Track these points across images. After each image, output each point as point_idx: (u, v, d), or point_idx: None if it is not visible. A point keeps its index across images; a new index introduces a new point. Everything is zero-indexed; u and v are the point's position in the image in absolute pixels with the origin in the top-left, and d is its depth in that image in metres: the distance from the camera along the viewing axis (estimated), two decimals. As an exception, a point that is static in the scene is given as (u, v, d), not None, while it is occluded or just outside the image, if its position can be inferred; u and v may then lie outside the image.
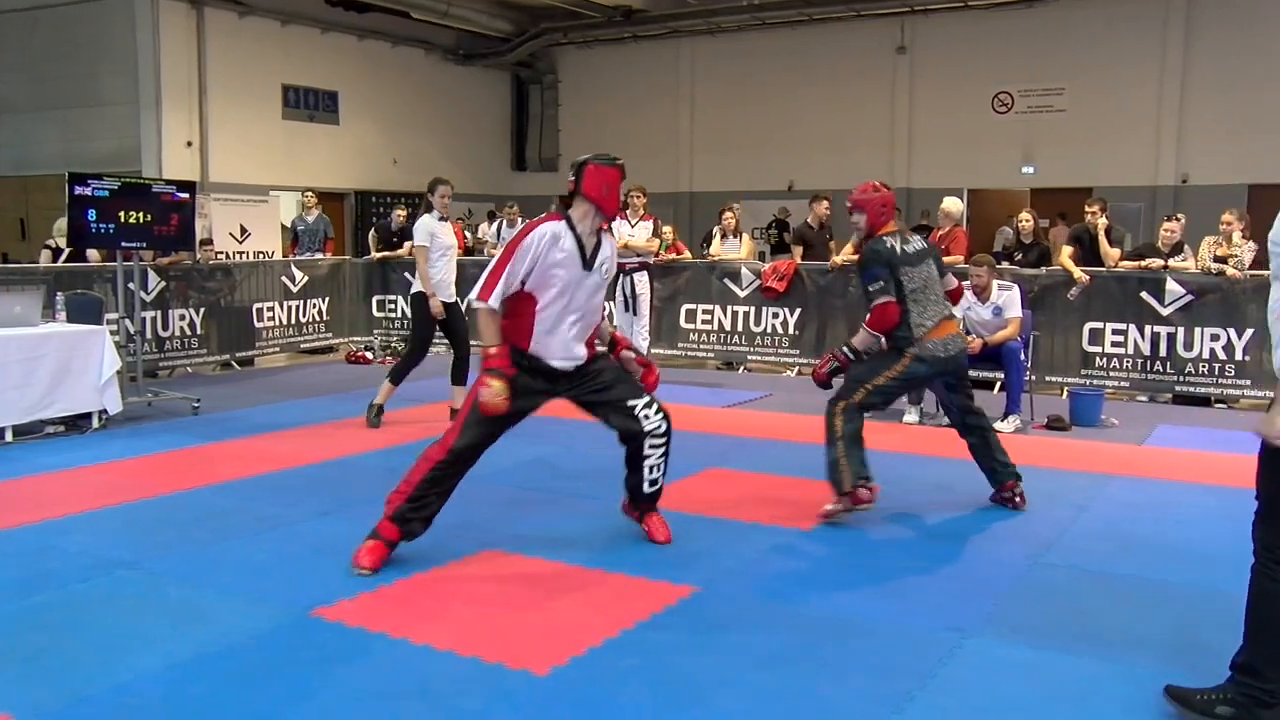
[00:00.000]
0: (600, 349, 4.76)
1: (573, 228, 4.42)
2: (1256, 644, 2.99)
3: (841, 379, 5.31)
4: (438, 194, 7.57)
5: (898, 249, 5.17)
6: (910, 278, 5.14)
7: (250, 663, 3.47)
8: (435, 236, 7.53)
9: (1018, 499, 5.40)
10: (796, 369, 10.53)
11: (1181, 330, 8.80)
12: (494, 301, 4.33)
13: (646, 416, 4.63)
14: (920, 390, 5.46)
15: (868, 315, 5.19)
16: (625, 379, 4.71)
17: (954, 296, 5.57)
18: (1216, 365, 8.71)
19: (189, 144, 14.66)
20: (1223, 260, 8.91)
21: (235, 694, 3.24)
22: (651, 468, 4.72)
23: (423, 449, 4.48)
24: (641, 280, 10.09)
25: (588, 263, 4.46)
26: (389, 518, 4.39)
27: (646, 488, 4.77)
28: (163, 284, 10.04)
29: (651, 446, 4.67)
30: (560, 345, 4.48)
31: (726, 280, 10.79)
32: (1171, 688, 3.16)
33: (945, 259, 9.35)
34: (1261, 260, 8.95)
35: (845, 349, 5.33)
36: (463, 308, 7.72)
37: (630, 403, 4.62)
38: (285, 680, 3.34)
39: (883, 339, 5.17)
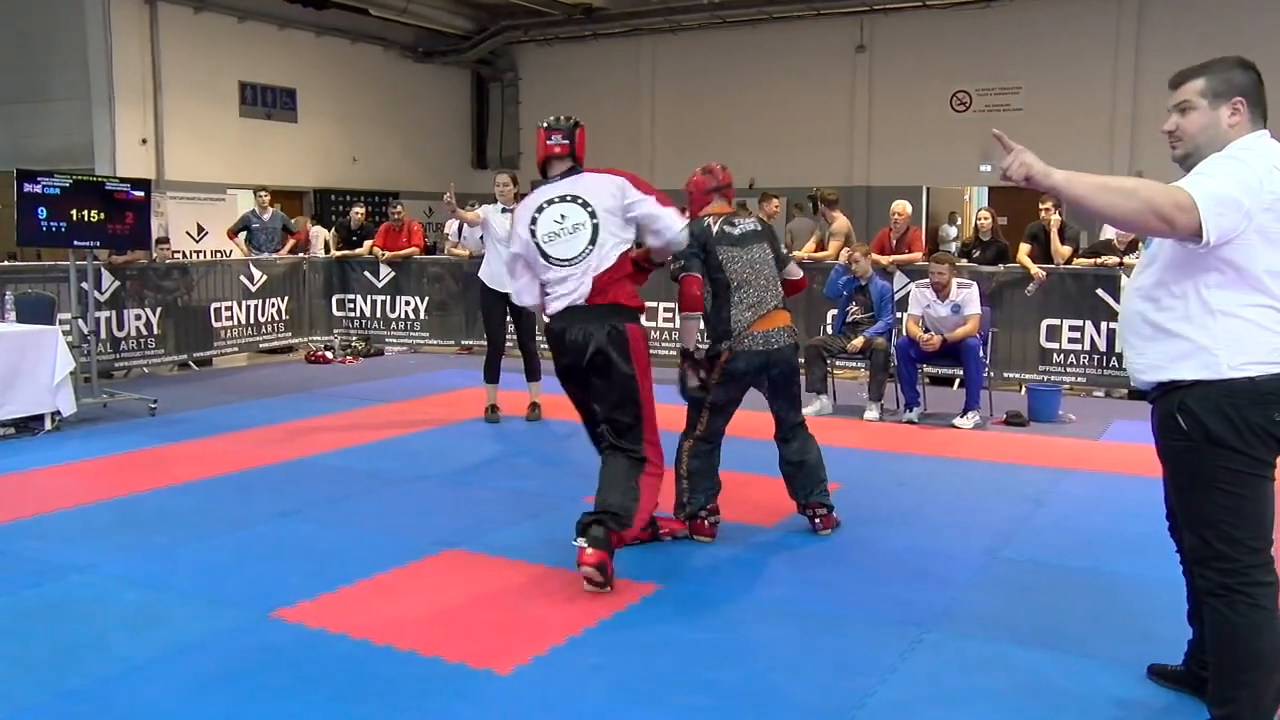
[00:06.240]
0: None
1: None
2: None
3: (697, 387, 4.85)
4: (498, 184, 7.80)
5: (714, 229, 4.86)
6: (732, 258, 4.80)
7: (209, 666, 3.43)
8: (489, 224, 7.71)
9: (818, 520, 4.99)
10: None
11: (1136, 326, 8.90)
12: None
13: None
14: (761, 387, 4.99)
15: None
16: None
17: (795, 288, 5.14)
18: (1170, 360, 8.82)
19: (144, 141, 14.41)
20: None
21: (192, 697, 3.20)
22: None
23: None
24: None
25: None
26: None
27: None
28: (117, 283, 9.88)
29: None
30: None
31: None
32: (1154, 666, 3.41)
33: (903, 257, 9.57)
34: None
35: (680, 353, 4.88)
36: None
37: None
38: (244, 683, 3.30)
39: (701, 320, 4.80)
